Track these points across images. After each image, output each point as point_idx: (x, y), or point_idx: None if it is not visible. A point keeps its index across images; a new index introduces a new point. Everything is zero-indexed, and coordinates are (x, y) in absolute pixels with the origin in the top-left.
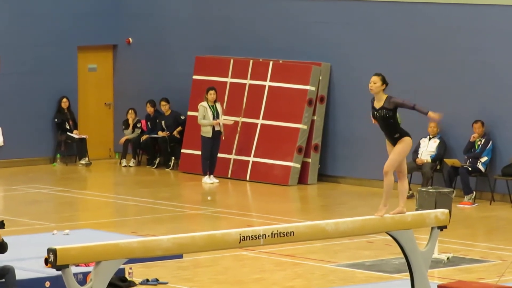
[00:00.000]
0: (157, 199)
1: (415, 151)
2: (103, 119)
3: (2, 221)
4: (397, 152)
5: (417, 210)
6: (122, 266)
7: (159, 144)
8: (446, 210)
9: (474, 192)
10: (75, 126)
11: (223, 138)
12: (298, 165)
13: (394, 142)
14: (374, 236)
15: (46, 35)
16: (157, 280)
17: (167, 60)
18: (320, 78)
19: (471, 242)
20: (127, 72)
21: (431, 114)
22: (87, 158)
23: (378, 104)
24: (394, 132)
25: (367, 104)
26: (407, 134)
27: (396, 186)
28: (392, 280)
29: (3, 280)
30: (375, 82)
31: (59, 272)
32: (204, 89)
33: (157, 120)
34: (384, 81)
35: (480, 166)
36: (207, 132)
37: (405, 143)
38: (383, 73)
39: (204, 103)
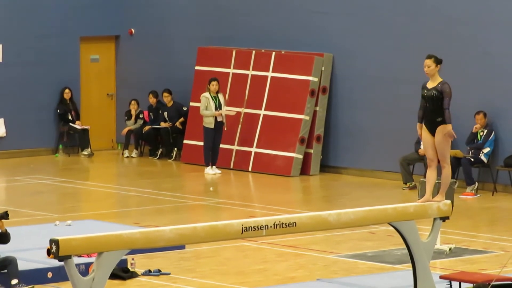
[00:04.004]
0: (159, 190)
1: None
2: (105, 110)
3: (6, 211)
4: (440, 145)
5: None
6: (124, 257)
7: (161, 135)
8: (448, 201)
9: (477, 183)
10: (77, 117)
11: (225, 129)
12: (301, 156)
13: (434, 125)
14: (376, 227)
15: (48, 26)
16: (159, 270)
17: (169, 51)
18: (323, 68)
19: (473, 233)
20: (130, 62)
21: (449, 128)
22: (89, 149)
23: (431, 85)
24: (437, 116)
25: (370, 94)
26: (449, 122)
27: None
28: (394, 271)
29: (5, 270)
30: (429, 66)
31: (61, 263)
32: (207, 80)
33: (160, 111)
34: (437, 62)
35: (482, 157)
36: (209, 123)
37: (445, 132)
38: (385, 64)
39: (207, 94)
